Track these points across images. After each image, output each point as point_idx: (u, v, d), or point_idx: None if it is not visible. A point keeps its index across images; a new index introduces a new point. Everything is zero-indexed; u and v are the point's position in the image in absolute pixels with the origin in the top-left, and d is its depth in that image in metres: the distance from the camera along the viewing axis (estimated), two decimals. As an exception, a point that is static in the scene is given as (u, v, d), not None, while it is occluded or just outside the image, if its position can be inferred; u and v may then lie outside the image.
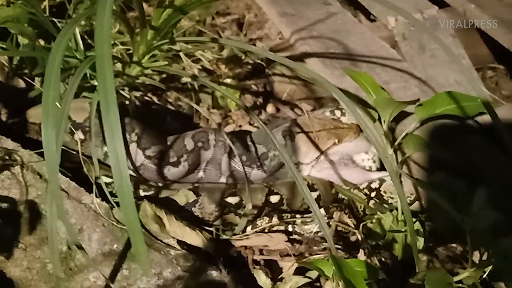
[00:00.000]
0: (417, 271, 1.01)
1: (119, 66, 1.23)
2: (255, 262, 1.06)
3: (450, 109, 0.99)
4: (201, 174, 1.14)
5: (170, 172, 1.10)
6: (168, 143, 1.14)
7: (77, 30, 1.21)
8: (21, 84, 1.16)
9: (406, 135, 1.02)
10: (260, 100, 1.38)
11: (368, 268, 0.90)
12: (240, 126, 1.33)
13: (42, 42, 1.25)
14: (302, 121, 1.16)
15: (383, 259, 1.05)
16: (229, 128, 1.32)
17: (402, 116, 1.09)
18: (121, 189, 0.61)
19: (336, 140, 1.12)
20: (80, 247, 0.82)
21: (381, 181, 1.12)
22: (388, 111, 0.96)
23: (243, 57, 1.35)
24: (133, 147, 1.09)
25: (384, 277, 0.91)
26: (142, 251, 0.63)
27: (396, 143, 1.02)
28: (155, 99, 1.30)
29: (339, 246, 1.06)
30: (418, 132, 1.06)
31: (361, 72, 1.07)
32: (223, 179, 1.14)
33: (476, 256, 0.96)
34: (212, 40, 1.05)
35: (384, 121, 1.01)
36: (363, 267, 0.90)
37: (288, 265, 1.05)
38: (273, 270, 1.05)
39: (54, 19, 1.22)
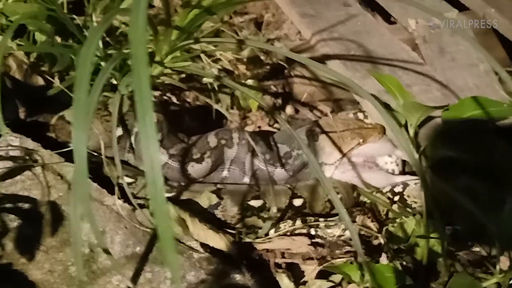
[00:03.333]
0: (440, 275, 1.02)
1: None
2: (277, 265, 1.05)
3: (477, 114, 0.98)
4: (225, 173, 1.13)
5: (194, 169, 1.09)
6: (190, 142, 1.14)
7: (96, 27, 1.19)
8: (40, 81, 1.14)
9: (431, 139, 1.01)
10: (279, 101, 1.37)
11: (396, 273, 0.90)
12: (259, 127, 1.32)
13: (58, 39, 1.23)
14: (326, 122, 1.15)
15: (404, 263, 1.04)
16: (248, 129, 1.30)
17: (425, 119, 1.08)
18: (155, 198, 0.59)
19: (361, 140, 1.10)
20: (106, 252, 0.80)
21: (405, 185, 1.11)
22: (416, 115, 0.95)
23: (264, 58, 1.33)
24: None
25: (412, 282, 0.90)
26: (174, 260, 0.61)
27: (422, 147, 1.01)
28: (173, 99, 1.28)
29: (362, 250, 1.05)
30: (442, 136, 1.05)
31: (387, 74, 1.06)
32: (246, 179, 1.13)
33: (503, 262, 0.95)
34: (238, 41, 1.04)
35: (410, 125, 1.00)
36: (391, 273, 0.90)
37: (310, 269, 1.04)
38: (295, 274, 1.04)
39: (72, 16, 1.20)
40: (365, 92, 0.86)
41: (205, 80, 1.24)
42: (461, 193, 0.95)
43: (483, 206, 0.93)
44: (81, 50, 0.72)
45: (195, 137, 1.15)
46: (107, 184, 1.00)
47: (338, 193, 1.11)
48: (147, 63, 0.57)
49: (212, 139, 1.13)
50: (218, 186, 1.09)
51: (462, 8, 1.45)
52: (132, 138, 1.13)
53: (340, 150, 1.12)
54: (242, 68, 1.35)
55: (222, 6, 0.93)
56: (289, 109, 1.37)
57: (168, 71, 1.19)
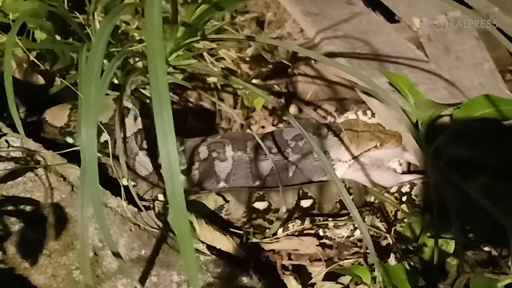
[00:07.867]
0: (448, 275, 1.01)
1: (140, 64, 1.19)
2: (284, 267, 1.04)
3: (488, 112, 0.97)
4: (222, 184, 1.10)
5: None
6: (182, 148, 1.10)
7: (98, 25, 1.16)
8: (40, 80, 1.11)
9: (442, 138, 1.00)
10: (283, 100, 1.35)
11: (409, 275, 0.88)
12: (263, 127, 1.30)
13: (58, 38, 1.20)
14: (348, 122, 1.14)
15: (412, 263, 1.03)
16: (252, 129, 1.28)
17: (434, 118, 1.07)
18: (174, 199, 0.56)
19: (378, 144, 1.09)
20: (117, 255, 0.77)
21: (412, 184, 1.09)
22: (428, 113, 0.94)
23: (268, 57, 1.31)
24: (143, 154, 1.06)
25: (424, 283, 0.89)
26: (193, 265, 0.59)
27: (433, 146, 1.00)
28: (175, 98, 1.26)
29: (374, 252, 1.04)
30: (454, 135, 1.04)
31: (397, 73, 1.05)
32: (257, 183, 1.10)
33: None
34: (247, 38, 1.01)
35: (421, 123, 0.99)
36: (404, 274, 0.88)
37: (317, 270, 1.02)
38: (302, 275, 1.02)
39: (74, 13, 1.18)
40: (379, 88, 0.84)
41: (210, 79, 1.21)
42: (479, 193, 0.94)
43: (503, 207, 0.92)
44: (92, 46, 0.70)
45: (190, 142, 1.11)
46: (109, 186, 0.98)
47: (350, 193, 1.10)
48: (164, 60, 0.54)
49: (203, 150, 1.09)
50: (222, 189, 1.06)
51: (466, 7, 1.44)
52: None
53: (356, 149, 1.10)
54: (244, 67, 1.33)
55: (230, 2, 0.91)
56: (292, 109, 1.35)
57: (170, 69, 1.16)
